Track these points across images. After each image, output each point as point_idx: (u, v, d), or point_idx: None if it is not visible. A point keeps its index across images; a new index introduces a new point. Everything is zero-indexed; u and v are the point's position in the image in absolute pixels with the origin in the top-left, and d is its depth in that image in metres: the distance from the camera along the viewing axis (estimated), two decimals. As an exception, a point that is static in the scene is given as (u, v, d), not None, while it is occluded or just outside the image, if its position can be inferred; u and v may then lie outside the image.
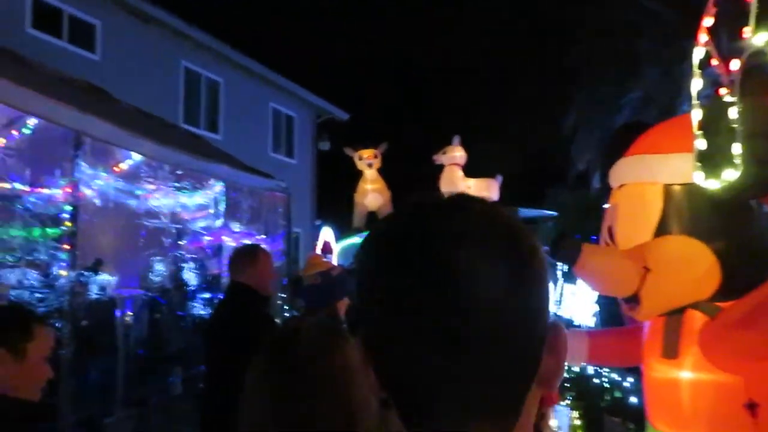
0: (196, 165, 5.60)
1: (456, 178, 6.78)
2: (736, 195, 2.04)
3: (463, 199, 0.63)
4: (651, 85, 12.76)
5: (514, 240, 0.60)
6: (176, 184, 5.86)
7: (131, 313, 6.41)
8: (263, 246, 3.67)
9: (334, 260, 10.21)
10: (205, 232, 6.62)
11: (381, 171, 11.04)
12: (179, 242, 6.79)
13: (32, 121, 4.65)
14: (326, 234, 13.06)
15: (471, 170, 6.86)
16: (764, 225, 2.15)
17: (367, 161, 9.75)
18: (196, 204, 6.44)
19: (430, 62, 27.28)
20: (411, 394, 0.60)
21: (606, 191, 2.69)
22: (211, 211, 6.46)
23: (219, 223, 6.50)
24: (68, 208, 4.62)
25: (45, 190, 5.46)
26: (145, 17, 10.71)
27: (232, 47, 12.69)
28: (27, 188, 5.75)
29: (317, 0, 26.63)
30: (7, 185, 5.65)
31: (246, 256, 3.22)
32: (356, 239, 11.62)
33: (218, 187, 6.36)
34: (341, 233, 12.93)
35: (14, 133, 4.83)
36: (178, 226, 6.65)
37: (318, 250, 13.68)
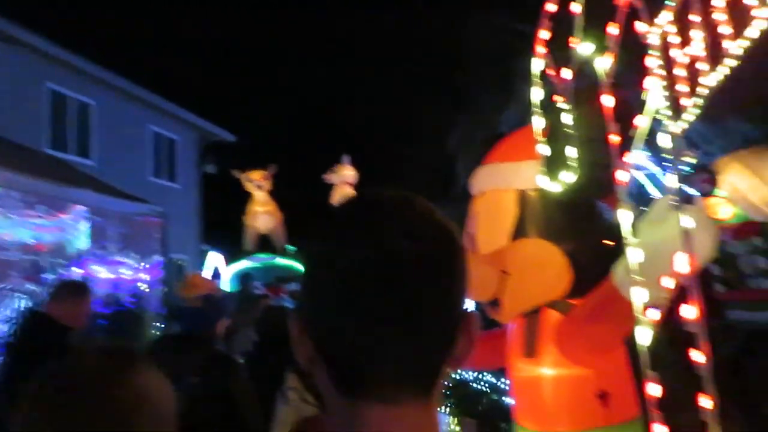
0: (53, 191, 5.17)
1: (346, 197, 6.78)
2: (578, 197, 2.17)
3: (408, 196, 0.72)
4: (526, 103, 13.53)
5: (447, 234, 0.70)
6: (30, 212, 5.36)
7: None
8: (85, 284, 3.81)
9: (223, 285, 9.85)
10: (65, 262, 6.09)
11: (272, 193, 10.77)
12: (37, 275, 6.20)
13: None
14: (214, 259, 12.58)
15: (367, 188, 6.89)
16: (605, 224, 2.30)
17: (257, 183, 9.52)
18: (54, 233, 5.90)
19: (319, 83, 27.39)
20: (347, 364, 0.67)
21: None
22: (72, 240, 5.96)
23: (82, 251, 6.00)
24: None
25: None
26: (3, 37, 9.87)
27: (105, 68, 11.98)
28: None
29: (197, 20, 25.95)
30: None
31: (63, 290, 3.36)
32: (247, 262, 11.31)
33: (80, 213, 5.86)
34: (231, 257, 12.53)
35: None
36: (33, 257, 6.08)
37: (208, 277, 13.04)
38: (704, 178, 5.07)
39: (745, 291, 5.51)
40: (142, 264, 6.73)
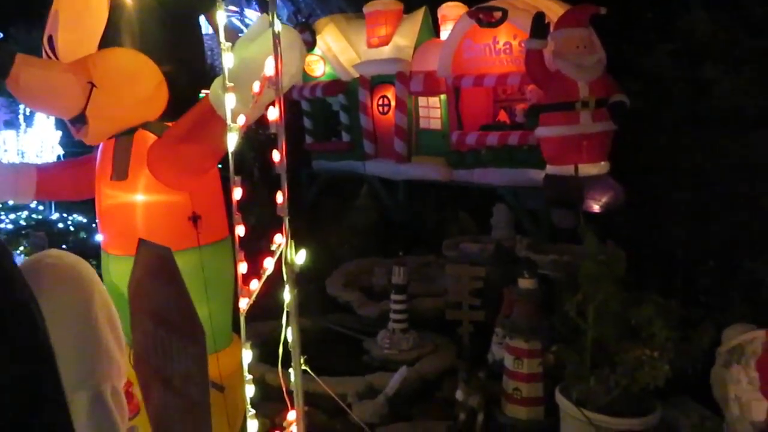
0: None
1: None
2: (181, 8, 2.01)
3: None
4: None
5: None
6: None
7: None
8: None
9: None
10: None
11: None
12: None
13: None
14: None
15: None
16: (205, 44, 2.22)
17: None
18: None
19: None
20: None
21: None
22: None
23: None
24: None
25: None
26: None
27: None
28: None
29: None
30: None
31: None
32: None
33: None
34: None
35: None
36: None
37: None
38: (304, 34, 5.41)
39: (327, 143, 6.32)
40: None
